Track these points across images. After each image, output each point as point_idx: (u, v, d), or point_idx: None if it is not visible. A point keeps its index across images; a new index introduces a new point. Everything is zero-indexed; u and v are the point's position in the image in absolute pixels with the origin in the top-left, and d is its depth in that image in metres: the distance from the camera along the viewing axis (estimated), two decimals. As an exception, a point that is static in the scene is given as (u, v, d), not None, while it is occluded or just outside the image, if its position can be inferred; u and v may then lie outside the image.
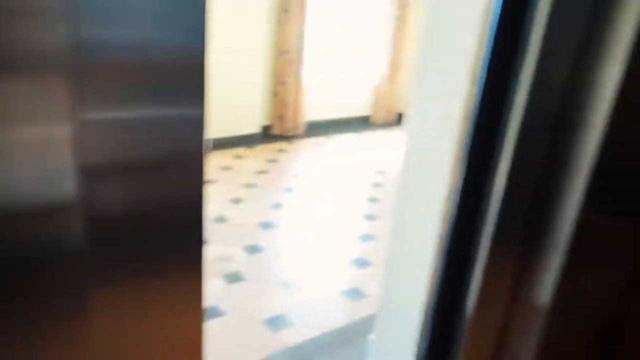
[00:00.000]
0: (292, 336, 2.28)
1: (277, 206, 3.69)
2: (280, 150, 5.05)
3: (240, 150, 4.92)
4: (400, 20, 5.92)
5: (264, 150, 5.00)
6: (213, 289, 2.57)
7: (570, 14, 1.07)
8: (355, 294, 2.64)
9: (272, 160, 4.73)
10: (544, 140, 1.17)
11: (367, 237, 3.30)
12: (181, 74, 0.67)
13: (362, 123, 6.26)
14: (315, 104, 5.76)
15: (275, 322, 2.36)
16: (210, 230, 3.20)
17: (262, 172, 4.39)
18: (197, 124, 0.70)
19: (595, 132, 1.08)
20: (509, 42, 1.18)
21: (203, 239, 0.82)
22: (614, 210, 1.22)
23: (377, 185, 4.28)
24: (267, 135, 5.40)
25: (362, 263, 2.96)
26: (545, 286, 1.26)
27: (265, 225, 3.35)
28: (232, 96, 4.88)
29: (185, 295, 0.84)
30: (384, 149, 5.37)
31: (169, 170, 0.72)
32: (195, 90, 0.69)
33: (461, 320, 1.42)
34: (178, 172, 0.73)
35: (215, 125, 4.71)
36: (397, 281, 1.92)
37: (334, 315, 2.45)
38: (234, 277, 2.71)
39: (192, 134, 0.71)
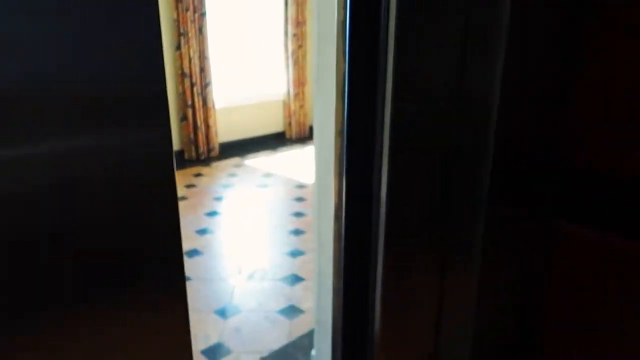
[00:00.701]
0: (233, 364, 2.18)
1: (202, 232, 3.56)
2: (197, 175, 4.89)
3: (154, 179, 4.70)
4: (299, 38, 6.02)
5: (179, 176, 4.82)
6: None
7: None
8: (292, 311, 2.59)
9: (190, 186, 4.56)
10: (427, 142, 1.18)
11: (296, 252, 3.27)
12: (146, 101, 0.69)
13: (277, 140, 6.25)
14: (229, 125, 5.67)
15: (212, 352, 2.25)
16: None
17: (181, 198, 4.23)
18: (166, 147, 0.72)
19: (491, 123, 1.13)
20: (368, 50, 1.19)
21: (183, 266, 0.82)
22: (515, 200, 1.28)
23: (299, 199, 4.28)
24: (180, 160, 5.22)
25: (295, 279, 2.92)
26: (472, 276, 1.29)
27: (191, 253, 3.21)
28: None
29: (170, 320, 0.84)
30: (301, 163, 5.39)
31: (144, 196, 0.74)
32: (160, 116, 0.70)
33: (370, 333, 1.41)
34: (152, 198, 0.75)
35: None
36: (327, 294, 1.90)
37: (274, 335, 2.38)
38: (162, 312, 2.55)
39: (162, 156, 0.72)
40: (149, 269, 0.78)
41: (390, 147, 1.14)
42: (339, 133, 1.33)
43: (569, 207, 1.28)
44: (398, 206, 1.22)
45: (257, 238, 3.51)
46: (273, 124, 6.25)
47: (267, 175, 4.94)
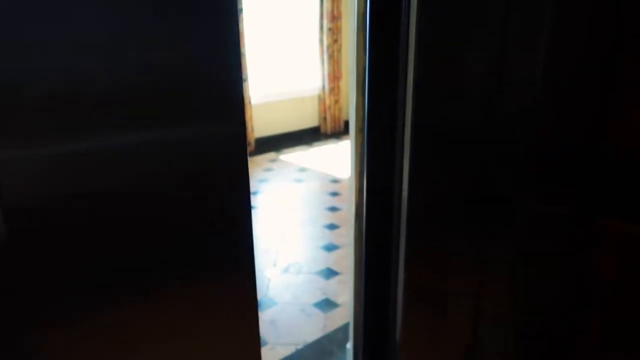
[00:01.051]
0: (268, 356, 2.21)
1: (237, 225, 3.61)
2: (233, 170, 4.96)
3: (192, 174, 4.79)
4: (334, 32, 6.01)
5: (216, 171, 4.90)
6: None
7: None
8: (327, 304, 2.60)
9: (226, 180, 4.63)
10: (453, 137, 1.14)
11: (331, 247, 3.28)
12: (223, 98, 0.78)
13: (312, 134, 6.27)
14: (264, 120, 5.73)
15: (249, 344, 2.28)
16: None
17: (217, 193, 4.29)
18: (241, 139, 0.80)
19: (529, 118, 1.08)
20: (390, 44, 1.15)
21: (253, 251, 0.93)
22: (550, 196, 1.23)
23: (334, 194, 4.28)
24: (217, 155, 5.30)
25: (330, 273, 2.93)
26: (508, 276, 1.26)
27: (227, 246, 3.27)
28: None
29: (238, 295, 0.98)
30: (335, 157, 5.39)
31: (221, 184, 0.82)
32: (238, 108, 0.81)
33: (392, 335, 1.38)
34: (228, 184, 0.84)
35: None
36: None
37: (309, 328, 2.40)
38: (200, 303, 2.61)
39: (238, 148, 0.81)
40: (228, 254, 0.84)
41: (412, 139, 1.12)
42: (359, 130, 1.30)
43: (614, 204, 1.23)
44: (421, 203, 1.19)
45: (292, 232, 3.54)
46: (308, 119, 6.27)
47: (302, 169, 4.97)
